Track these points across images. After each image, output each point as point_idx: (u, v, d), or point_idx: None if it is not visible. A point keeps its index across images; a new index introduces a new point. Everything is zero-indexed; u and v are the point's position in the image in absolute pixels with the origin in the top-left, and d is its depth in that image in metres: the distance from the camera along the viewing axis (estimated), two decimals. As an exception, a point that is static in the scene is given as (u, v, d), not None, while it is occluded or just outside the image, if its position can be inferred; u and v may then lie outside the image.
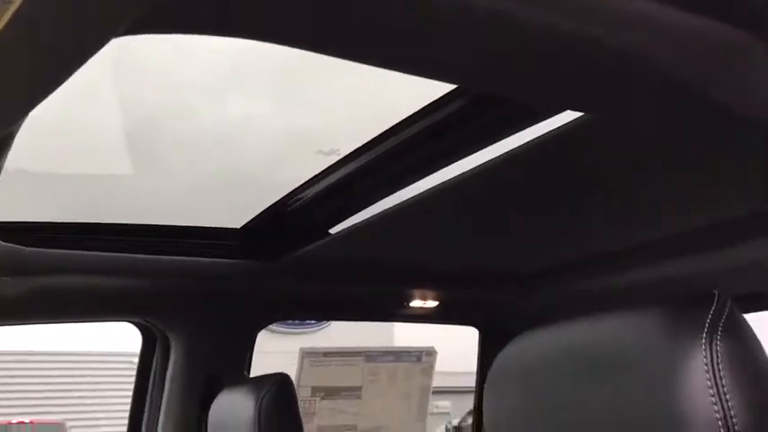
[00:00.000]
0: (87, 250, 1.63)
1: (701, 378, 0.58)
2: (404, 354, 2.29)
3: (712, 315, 0.61)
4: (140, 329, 1.92)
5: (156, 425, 1.90)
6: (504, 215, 1.64)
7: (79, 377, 11.82)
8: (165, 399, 1.90)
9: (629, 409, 0.63)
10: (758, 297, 1.98)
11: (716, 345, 0.59)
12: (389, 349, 2.35)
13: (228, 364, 1.91)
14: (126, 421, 1.98)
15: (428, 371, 2.29)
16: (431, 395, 2.38)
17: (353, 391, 2.17)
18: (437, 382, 2.39)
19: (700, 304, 0.63)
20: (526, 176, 1.40)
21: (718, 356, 0.58)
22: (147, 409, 1.94)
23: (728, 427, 0.56)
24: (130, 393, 1.96)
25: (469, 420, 2.64)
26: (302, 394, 2.00)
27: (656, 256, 1.73)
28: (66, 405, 10.89)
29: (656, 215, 1.63)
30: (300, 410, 1.59)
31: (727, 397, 0.57)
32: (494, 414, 0.81)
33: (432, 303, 2.17)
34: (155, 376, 1.93)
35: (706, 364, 0.58)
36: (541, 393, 0.74)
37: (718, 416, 0.57)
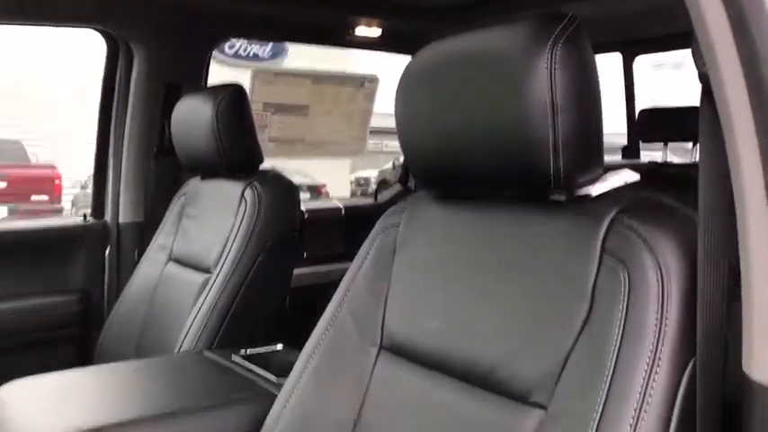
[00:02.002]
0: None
1: (543, 72, 0.81)
2: (348, 78, 2.50)
3: (560, 29, 0.82)
4: (105, 38, 2.06)
5: (123, 129, 2.13)
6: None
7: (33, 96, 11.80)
8: (130, 105, 2.11)
9: (497, 98, 0.86)
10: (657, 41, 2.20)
11: (557, 49, 0.81)
12: (335, 74, 2.54)
13: (187, 74, 2.10)
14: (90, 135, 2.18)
15: (370, 96, 2.52)
16: (371, 124, 2.62)
17: (301, 109, 2.41)
18: (388, 123, 2.63)
19: (553, 20, 0.83)
20: None
21: (556, 58, 0.80)
22: (114, 115, 2.14)
23: (553, 105, 0.80)
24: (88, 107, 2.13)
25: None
26: (254, 108, 2.21)
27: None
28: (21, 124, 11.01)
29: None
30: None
31: (557, 85, 0.81)
32: (403, 111, 1.02)
33: (375, 31, 2.34)
34: (119, 85, 2.12)
35: (547, 64, 0.81)
36: (439, 90, 0.95)
37: (547, 98, 0.81)
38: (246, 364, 1.34)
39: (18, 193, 9.19)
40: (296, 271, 1.90)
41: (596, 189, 0.85)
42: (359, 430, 0.99)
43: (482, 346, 0.89)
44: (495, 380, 0.86)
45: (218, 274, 1.59)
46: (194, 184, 1.92)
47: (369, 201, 2.73)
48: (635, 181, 0.87)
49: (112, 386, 1.22)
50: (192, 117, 1.77)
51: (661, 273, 0.74)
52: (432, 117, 0.95)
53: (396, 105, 1.02)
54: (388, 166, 14.16)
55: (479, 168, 0.91)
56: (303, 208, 2.34)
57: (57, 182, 10.00)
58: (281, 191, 1.70)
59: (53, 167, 10.20)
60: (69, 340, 2.03)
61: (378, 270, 1.09)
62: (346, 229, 2.47)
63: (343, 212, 2.53)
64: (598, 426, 0.72)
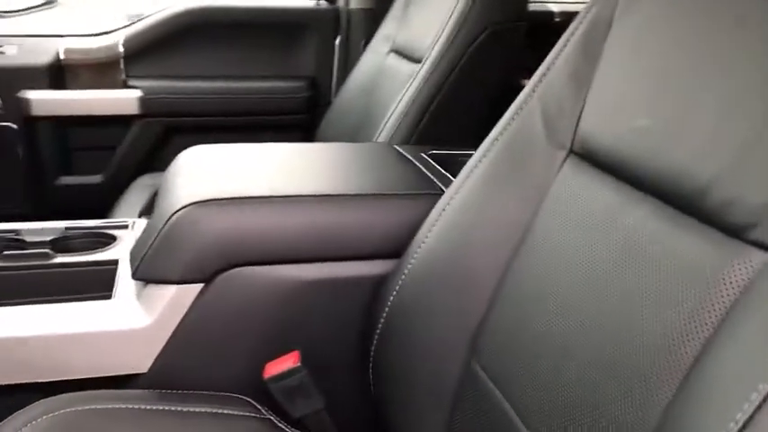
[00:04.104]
0: None
1: None
2: None
3: None
4: None
5: None
6: None
7: None
8: None
9: None
10: None
11: None
12: None
13: None
14: None
15: None
16: None
17: None
18: None
19: None
20: None
21: None
22: None
23: None
24: None
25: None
26: None
27: None
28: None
29: None
30: None
31: None
32: None
33: None
34: None
35: None
36: None
37: None
38: (432, 162, 1.17)
39: None
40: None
41: None
42: (530, 237, 0.79)
43: (698, 156, 0.61)
44: (704, 204, 0.59)
45: (423, 65, 1.41)
46: (423, -35, 1.70)
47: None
48: None
49: (287, 163, 1.14)
50: None
51: None
52: None
53: None
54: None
55: None
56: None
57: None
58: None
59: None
60: (295, 127, 2.03)
61: (585, 48, 0.82)
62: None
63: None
64: None
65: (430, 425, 0.86)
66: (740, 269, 0.53)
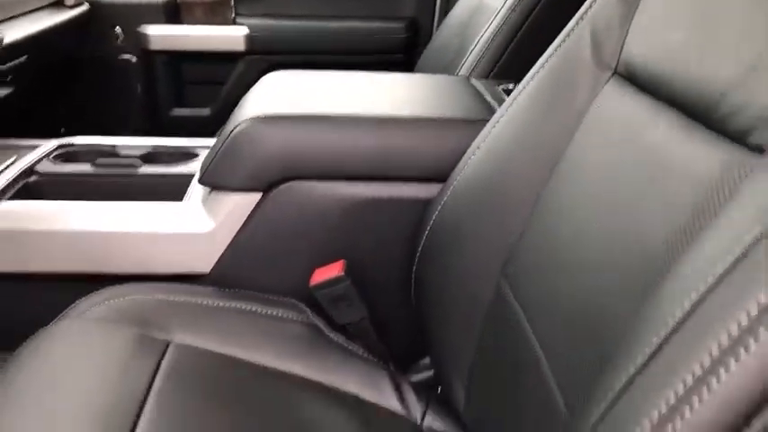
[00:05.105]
0: None
1: None
2: None
3: None
4: None
5: None
6: None
7: None
8: None
9: None
10: None
11: None
12: None
13: None
14: None
15: None
16: None
17: None
18: None
19: None
20: None
21: None
22: None
23: None
24: None
25: None
26: None
27: None
28: None
29: None
30: None
31: None
32: None
33: None
34: None
35: None
36: None
37: None
38: (503, 95, 1.17)
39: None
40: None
41: None
42: (564, 159, 0.78)
43: (717, 67, 0.59)
44: (716, 113, 0.57)
45: (509, -5, 1.38)
46: None
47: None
48: None
49: (357, 89, 1.16)
50: None
51: None
52: None
53: None
54: None
55: None
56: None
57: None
58: None
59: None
60: (394, 66, 2.05)
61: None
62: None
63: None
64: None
65: (462, 340, 0.88)
66: (738, 175, 0.51)
